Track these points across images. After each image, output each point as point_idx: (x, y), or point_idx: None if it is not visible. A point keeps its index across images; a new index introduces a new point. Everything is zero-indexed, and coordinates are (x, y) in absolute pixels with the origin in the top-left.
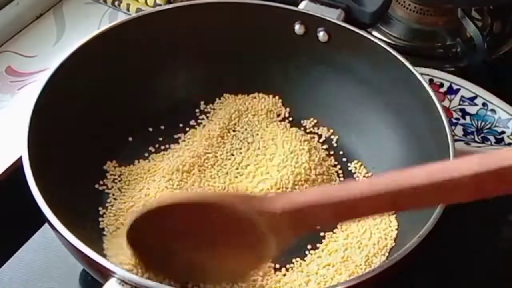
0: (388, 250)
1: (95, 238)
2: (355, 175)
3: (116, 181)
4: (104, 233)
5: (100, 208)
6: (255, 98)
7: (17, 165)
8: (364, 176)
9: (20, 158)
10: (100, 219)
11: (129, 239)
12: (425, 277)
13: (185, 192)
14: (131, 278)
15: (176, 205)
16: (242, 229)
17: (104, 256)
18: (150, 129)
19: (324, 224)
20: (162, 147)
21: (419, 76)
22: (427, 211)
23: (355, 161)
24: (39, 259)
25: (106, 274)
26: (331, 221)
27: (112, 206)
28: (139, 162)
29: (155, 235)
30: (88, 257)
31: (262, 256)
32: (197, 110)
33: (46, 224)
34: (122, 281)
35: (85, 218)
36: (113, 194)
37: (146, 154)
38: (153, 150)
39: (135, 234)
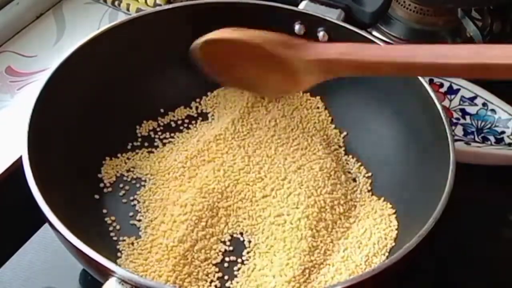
0: (388, 250)
1: (95, 238)
2: (354, 175)
3: (116, 180)
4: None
5: (102, 207)
6: (255, 97)
7: (17, 165)
8: (364, 176)
9: (20, 158)
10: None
11: (200, 54)
12: (425, 277)
13: (234, 31)
14: (131, 278)
15: (227, 40)
16: (280, 63)
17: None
18: (151, 129)
19: (344, 73)
20: (163, 147)
21: (419, 76)
22: (427, 211)
23: (355, 161)
24: (39, 259)
25: (106, 273)
26: (354, 73)
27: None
28: (140, 161)
29: (217, 54)
30: (88, 257)
31: (296, 84)
32: (197, 110)
33: (46, 224)
34: (122, 281)
35: (85, 218)
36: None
37: (147, 154)
38: (153, 150)
39: (203, 53)
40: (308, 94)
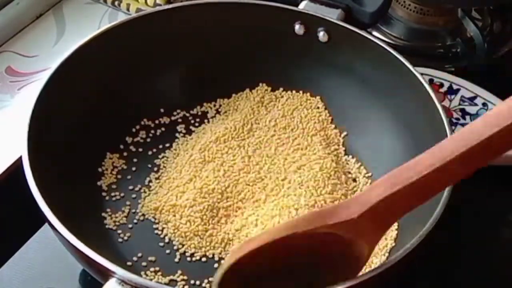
0: (388, 250)
1: (95, 238)
2: (354, 175)
3: (116, 180)
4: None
5: (102, 208)
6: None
7: (17, 165)
8: (364, 176)
9: (20, 158)
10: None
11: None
12: (425, 277)
13: (260, 235)
14: (131, 278)
15: (256, 249)
16: (330, 246)
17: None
18: (151, 129)
19: (405, 212)
20: (163, 146)
21: (419, 76)
22: (427, 211)
23: (355, 161)
24: (39, 259)
25: (106, 274)
26: (409, 207)
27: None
28: (140, 162)
29: (246, 275)
30: (88, 257)
31: (359, 260)
32: (197, 110)
33: (46, 224)
34: (122, 281)
35: (85, 218)
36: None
37: (147, 153)
38: (154, 149)
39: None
40: (308, 94)
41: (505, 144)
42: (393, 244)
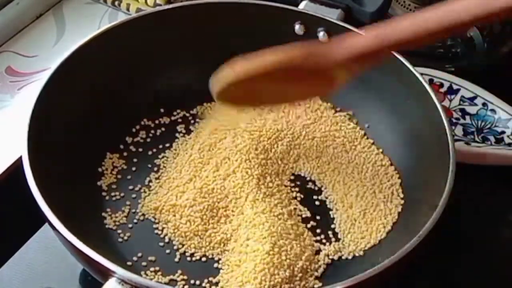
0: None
1: (95, 238)
2: None
3: (116, 180)
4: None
5: (102, 208)
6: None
7: (17, 165)
8: None
9: (20, 158)
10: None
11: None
12: (425, 277)
13: (256, 60)
14: (131, 278)
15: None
16: (313, 73)
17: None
18: (151, 129)
19: (378, 60)
20: (163, 146)
21: (419, 76)
22: (427, 211)
23: None
24: (39, 259)
25: (106, 274)
26: (382, 58)
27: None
28: (140, 162)
29: (238, 89)
30: (88, 257)
31: (330, 85)
32: (197, 110)
33: (46, 224)
34: (122, 281)
35: (85, 218)
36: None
37: (147, 153)
38: (154, 150)
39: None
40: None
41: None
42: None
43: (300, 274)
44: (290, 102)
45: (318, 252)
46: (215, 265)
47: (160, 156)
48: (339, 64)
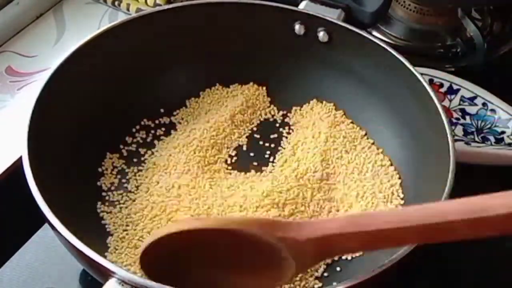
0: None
1: (95, 238)
2: None
3: (116, 180)
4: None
5: (102, 207)
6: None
7: (17, 165)
8: None
9: (20, 158)
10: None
11: (143, 262)
12: (425, 278)
13: (202, 218)
14: (131, 278)
15: (194, 230)
16: (262, 254)
17: (104, 256)
18: (151, 129)
19: (347, 252)
20: (163, 148)
21: (419, 76)
22: None
23: None
24: (39, 259)
25: (106, 274)
26: (356, 250)
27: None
28: (140, 161)
29: (169, 257)
30: (88, 257)
31: (281, 278)
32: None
33: (46, 224)
34: (122, 281)
35: (85, 218)
36: (114, 194)
37: (147, 153)
38: (154, 150)
39: (149, 258)
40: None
41: (466, 232)
42: None
43: (300, 274)
44: None
45: None
46: None
47: (160, 157)
48: (302, 245)
